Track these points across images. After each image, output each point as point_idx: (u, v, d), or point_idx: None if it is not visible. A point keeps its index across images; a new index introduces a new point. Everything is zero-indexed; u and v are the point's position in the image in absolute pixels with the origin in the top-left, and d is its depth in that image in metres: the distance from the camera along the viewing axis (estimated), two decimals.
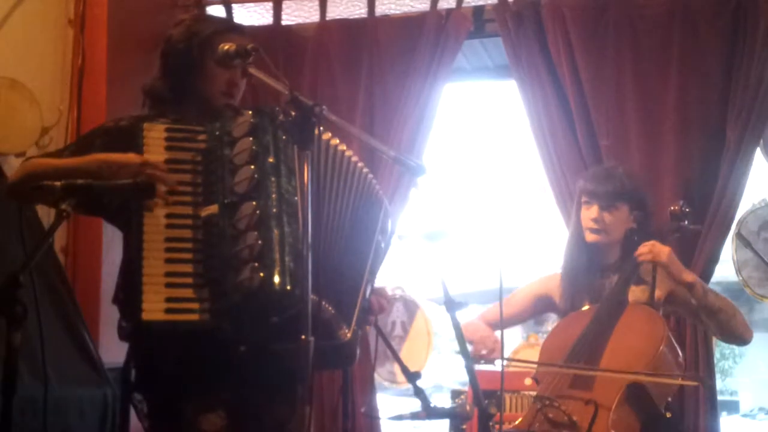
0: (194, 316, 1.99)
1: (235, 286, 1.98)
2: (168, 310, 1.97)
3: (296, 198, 2.06)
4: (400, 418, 2.40)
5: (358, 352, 2.29)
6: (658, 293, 2.92)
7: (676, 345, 2.79)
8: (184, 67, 2.25)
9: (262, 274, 1.97)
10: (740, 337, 2.93)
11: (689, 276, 2.88)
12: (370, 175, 2.37)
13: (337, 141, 2.25)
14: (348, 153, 2.28)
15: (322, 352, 2.00)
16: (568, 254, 3.06)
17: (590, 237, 2.96)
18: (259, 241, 1.99)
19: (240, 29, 2.35)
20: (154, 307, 1.96)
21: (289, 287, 1.96)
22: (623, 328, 2.78)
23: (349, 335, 2.19)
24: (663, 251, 2.83)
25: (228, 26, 2.36)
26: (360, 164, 2.32)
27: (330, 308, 2.13)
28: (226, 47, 2.15)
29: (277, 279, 1.97)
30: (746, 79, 3.35)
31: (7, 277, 1.67)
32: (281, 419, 2.20)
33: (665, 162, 3.45)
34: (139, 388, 2.17)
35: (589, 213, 2.95)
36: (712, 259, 3.33)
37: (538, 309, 3.18)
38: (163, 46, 2.31)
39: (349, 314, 2.21)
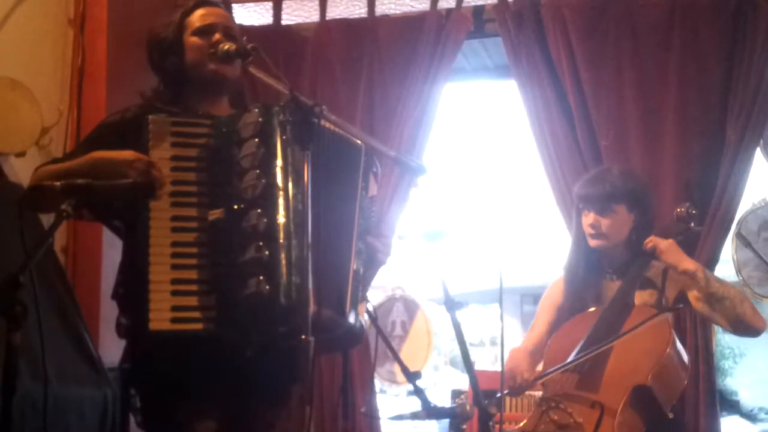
0: (198, 326, 1.98)
1: (241, 299, 1.96)
2: (174, 320, 1.96)
3: (302, 205, 1.98)
4: (400, 418, 2.40)
5: (361, 328, 2.19)
6: (668, 294, 2.91)
7: (681, 347, 2.79)
8: (166, 53, 2.25)
9: (268, 288, 1.94)
10: (750, 325, 2.76)
11: (690, 264, 2.80)
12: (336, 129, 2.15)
13: None
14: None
15: (320, 343, 1.96)
16: (572, 257, 3.05)
17: (592, 243, 2.94)
18: (266, 252, 1.96)
19: (208, 2, 2.34)
20: (160, 317, 1.95)
21: (295, 301, 1.92)
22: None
23: (349, 320, 2.11)
24: (663, 241, 2.82)
25: (195, 3, 2.32)
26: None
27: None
28: (226, 47, 2.16)
29: (283, 294, 1.95)
30: (746, 79, 3.35)
31: (7, 277, 1.66)
32: (272, 421, 2.20)
33: (665, 162, 3.45)
34: (134, 384, 2.17)
35: (587, 219, 2.93)
36: (712, 259, 3.32)
37: (563, 317, 3.03)
38: (147, 48, 2.31)
39: (336, 294, 2.09)
